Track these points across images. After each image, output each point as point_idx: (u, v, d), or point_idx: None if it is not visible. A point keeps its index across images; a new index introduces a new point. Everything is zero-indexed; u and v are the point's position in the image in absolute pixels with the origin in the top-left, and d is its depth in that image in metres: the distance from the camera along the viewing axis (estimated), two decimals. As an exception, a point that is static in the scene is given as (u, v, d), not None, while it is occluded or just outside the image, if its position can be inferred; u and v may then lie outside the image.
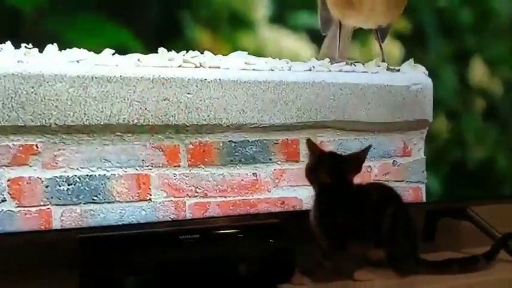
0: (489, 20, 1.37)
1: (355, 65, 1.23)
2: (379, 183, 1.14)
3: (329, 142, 1.18)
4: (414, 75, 1.27)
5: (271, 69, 1.14)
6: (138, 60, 1.03)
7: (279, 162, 1.13)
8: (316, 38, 1.21)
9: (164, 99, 1.03)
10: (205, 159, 1.07)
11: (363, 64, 1.24)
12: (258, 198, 1.11)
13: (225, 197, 1.08)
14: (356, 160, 1.05)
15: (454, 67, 1.33)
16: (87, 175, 0.98)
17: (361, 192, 1.05)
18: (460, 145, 1.34)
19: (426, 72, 1.27)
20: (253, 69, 1.12)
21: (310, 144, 1.04)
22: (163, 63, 1.05)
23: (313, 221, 1.03)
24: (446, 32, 1.32)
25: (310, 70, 1.18)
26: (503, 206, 1.40)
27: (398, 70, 1.26)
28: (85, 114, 0.97)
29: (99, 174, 0.99)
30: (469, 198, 1.34)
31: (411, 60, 1.27)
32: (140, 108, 1.01)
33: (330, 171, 1.02)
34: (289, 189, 1.14)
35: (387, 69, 1.25)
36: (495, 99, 1.37)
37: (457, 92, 1.34)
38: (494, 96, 1.37)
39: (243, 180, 1.10)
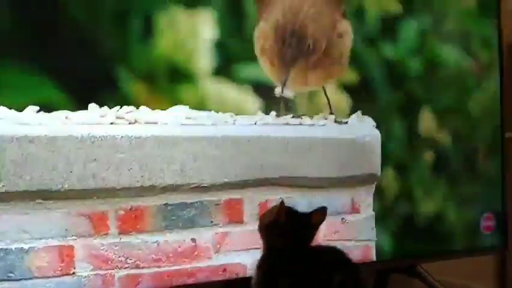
0: (437, 70, 1.37)
1: (301, 118, 1.20)
2: (330, 247, 1.07)
3: (275, 200, 1.12)
4: (363, 128, 1.25)
5: (214, 124, 1.10)
6: (66, 117, 0.97)
7: (220, 225, 1.08)
8: (262, 90, 1.17)
9: (93, 160, 0.96)
10: (138, 226, 1.01)
11: (311, 117, 1.21)
12: (197, 267, 1.05)
13: (160, 267, 1.02)
14: (315, 225, 0.98)
15: (402, 118, 1.32)
16: (2, 248, 0.89)
17: (311, 256, 0.98)
18: (409, 199, 1.32)
19: (374, 124, 1.26)
20: (194, 125, 1.07)
21: (282, 208, 0.96)
22: (94, 120, 0.99)
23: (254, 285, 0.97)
24: (394, 83, 1.31)
25: (256, 124, 1.15)
26: (453, 261, 1.40)
27: (346, 122, 1.24)
28: (0, 179, 0.88)
29: (16, 248, 0.90)
30: (418, 255, 1.33)
31: (359, 112, 1.25)
32: (66, 171, 0.94)
33: (286, 236, 0.95)
34: (232, 254, 1.08)
35: (334, 122, 1.23)
36: (444, 151, 1.37)
37: (405, 144, 1.32)
38: (443, 147, 1.37)
39: (180, 247, 1.04)
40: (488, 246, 1.43)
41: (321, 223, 0.99)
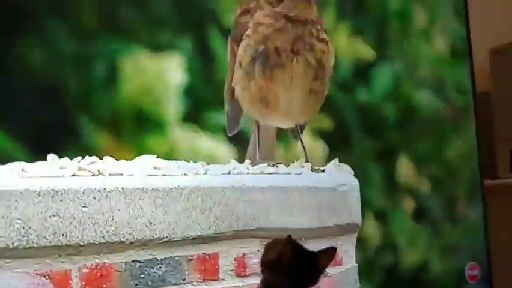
0: (412, 116, 1.39)
1: (277, 167, 1.16)
2: None
3: (252, 254, 1.07)
4: (340, 176, 1.23)
5: (185, 174, 1.05)
6: (22, 170, 0.91)
7: (194, 283, 1.01)
8: (235, 138, 1.15)
9: (54, 215, 0.88)
10: (103, 285, 0.92)
11: (287, 165, 1.18)
12: None
13: None
14: (319, 269, 0.93)
15: (380, 165, 1.33)
16: None
17: None
18: (391, 249, 1.31)
19: (352, 172, 1.24)
20: (163, 175, 1.02)
21: (286, 246, 0.90)
22: (54, 172, 0.93)
23: None
24: (369, 129, 1.33)
25: (229, 173, 1.10)
26: None
27: (323, 171, 1.22)
28: None
29: None
30: None
31: (336, 160, 1.24)
32: (23, 227, 0.86)
33: (290, 282, 0.89)
34: None
35: (311, 170, 1.20)
36: (424, 198, 1.37)
37: (384, 192, 1.33)
38: (422, 195, 1.37)
39: None
40: None
41: (328, 265, 0.93)
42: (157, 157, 1.05)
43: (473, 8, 1.72)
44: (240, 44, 1.16)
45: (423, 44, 1.43)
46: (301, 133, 1.24)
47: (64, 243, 0.89)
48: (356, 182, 1.23)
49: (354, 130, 1.31)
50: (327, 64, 1.18)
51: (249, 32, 1.15)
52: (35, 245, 0.87)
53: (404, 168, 1.36)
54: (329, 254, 0.93)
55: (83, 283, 0.91)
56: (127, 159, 1.02)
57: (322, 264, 0.92)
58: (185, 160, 1.09)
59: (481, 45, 2.01)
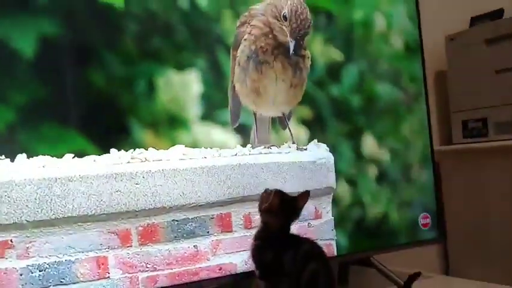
0: (374, 103, 1.53)
1: (271, 148, 1.34)
2: (311, 240, 1.19)
3: (255, 212, 1.22)
4: (319, 152, 1.39)
5: (204, 157, 1.24)
6: (94, 160, 1.12)
7: (215, 234, 1.22)
8: (239, 129, 1.33)
9: (117, 191, 1.11)
10: (153, 238, 1.15)
11: (278, 146, 1.35)
12: (199, 267, 1.19)
13: (172, 269, 1.15)
14: (298, 208, 1.12)
15: (350, 143, 1.48)
16: (55, 261, 1.05)
17: (294, 240, 1.12)
18: (359, 205, 1.47)
19: (328, 148, 1.41)
20: (190, 159, 1.21)
21: (275, 197, 1.08)
22: (115, 161, 1.13)
23: (250, 253, 1.10)
24: (341, 115, 1.47)
25: (236, 155, 1.28)
26: (399, 252, 1.57)
27: (306, 149, 1.38)
28: (51, 210, 1.05)
29: (65, 260, 1.06)
30: (370, 249, 1.49)
31: (315, 140, 1.40)
32: (97, 200, 1.09)
33: (280, 221, 1.09)
34: (225, 256, 1.22)
35: (297, 149, 1.37)
36: (384, 166, 1.53)
37: (353, 163, 1.48)
38: (383, 163, 1.53)
39: (185, 252, 1.18)
40: (427, 239, 1.59)
41: (304, 203, 1.11)
42: (185, 146, 1.22)
43: (428, 5, 1.93)
44: (237, 50, 1.30)
45: (382, 45, 1.56)
46: (289, 121, 1.39)
47: (124, 210, 1.12)
48: (331, 156, 1.39)
49: (328, 117, 1.44)
50: (304, 66, 1.33)
51: (246, 36, 1.29)
52: (105, 212, 1.10)
53: (369, 143, 1.50)
54: (304, 195, 1.11)
55: (139, 237, 1.14)
56: (164, 149, 1.19)
57: (300, 204, 1.11)
58: (204, 147, 1.25)
59: (439, 33, 2.24)
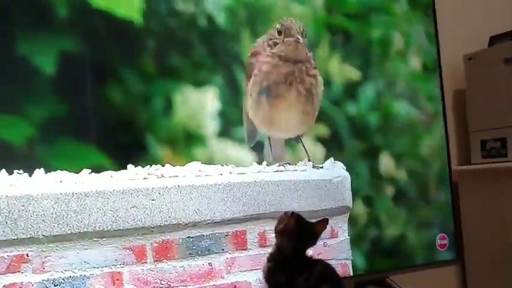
0: (392, 122, 1.52)
1: (286, 166, 1.34)
2: (324, 261, 1.18)
3: (271, 230, 1.23)
4: (335, 170, 1.38)
5: (221, 174, 1.24)
6: (111, 176, 1.13)
7: (230, 252, 1.22)
8: (255, 146, 1.34)
9: (133, 207, 1.12)
10: (168, 255, 1.15)
11: (294, 164, 1.35)
12: (214, 285, 1.19)
13: (186, 286, 1.16)
14: (316, 235, 1.11)
15: (367, 161, 1.47)
16: (70, 276, 1.06)
17: (308, 262, 1.11)
18: (376, 225, 1.46)
19: (344, 167, 1.40)
20: (206, 175, 1.22)
21: (291, 219, 1.08)
22: (131, 176, 1.14)
23: (263, 275, 1.09)
24: (358, 134, 1.47)
25: (251, 172, 1.28)
26: (415, 273, 1.54)
27: (322, 167, 1.38)
28: (67, 225, 1.06)
29: (80, 275, 1.06)
30: (387, 269, 1.47)
31: (331, 159, 1.40)
32: (113, 216, 1.10)
33: (294, 245, 1.08)
34: (240, 274, 1.22)
35: (313, 167, 1.37)
36: (402, 185, 1.52)
37: (370, 182, 1.47)
38: (401, 182, 1.52)
39: (200, 270, 1.18)
40: (444, 260, 1.57)
41: (322, 231, 1.10)
42: (201, 163, 1.23)
43: (446, 24, 1.93)
44: (250, 80, 1.31)
45: (400, 64, 1.55)
46: (301, 140, 1.39)
47: (140, 226, 1.13)
48: (347, 175, 1.38)
49: (345, 135, 1.43)
50: (315, 92, 1.32)
51: (255, 71, 1.30)
52: (121, 228, 1.11)
53: (386, 162, 1.49)
54: (323, 222, 1.10)
55: (154, 253, 1.14)
56: (180, 165, 1.20)
57: (318, 230, 1.10)
58: (221, 164, 1.26)
59: (458, 52, 2.23)
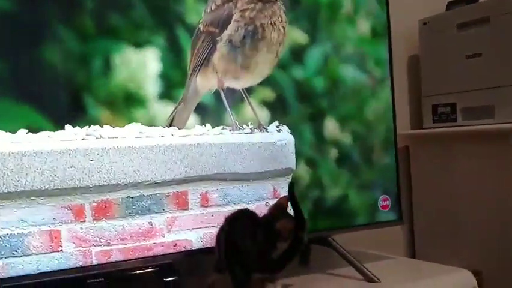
0: (338, 86, 1.56)
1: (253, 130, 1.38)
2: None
3: (213, 191, 1.33)
4: (280, 133, 1.43)
5: (162, 136, 1.27)
6: (48, 136, 1.14)
7: (171, 211, 1.25)
8: (197, 108, 1.36)
9: (71, 167, 1.15)
10: (107, 214, 1.18)
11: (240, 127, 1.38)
12: (154, 243, 1.23)
13: (125, 244, 1.20)
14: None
15: (312, 125, 1.51)
16: (7, 234, 1.09)
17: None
18: (319, 186, 1.51)
19: (289, 130, 1.44)
20: (147, 137, 1.24)
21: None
22: (69, 137, 1.16)
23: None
24: (303, 98, 1.50)
25: (193, 135, 1.31)
26: (363, 235, 1.63)
27: (267, 130, 1.42)
28: (3, 184, 1.09)
29: (17, 233, 1.09)
30: (329, 228, 1.53)
31: (276, 122, 1.44)
32: (51, 175, 1.13)
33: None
34: (180, 233, 1.26)
35: (259, 129, 1.41)
36: (346, 149, 1.57)
37: (314, 145, 1.51)
38: (345, 146, 1.56)
39: (140, 228, 1.22)
40: (386, 220, 1.63)
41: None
42: (141, 124, 1.24)
43: None
44: (222, 26, 1.32)
45: (349, 28, 1.57)
46: (249, 100, 1.40)
47: (78, 186, 1.15)
48: (292, 138, 1.43)
49: (290, 99, 1.46)
50: (285, 31, 1.38)
51: (236, 17, 1.31)
52: (59, 187, 1.14)
53: (330, 126, 1.52)
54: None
55: (93, 212, 1.17)
56: (120, 127, 1.22)
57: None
58: (162, 126, 1.25)
59: (416, 17, 2.27)
